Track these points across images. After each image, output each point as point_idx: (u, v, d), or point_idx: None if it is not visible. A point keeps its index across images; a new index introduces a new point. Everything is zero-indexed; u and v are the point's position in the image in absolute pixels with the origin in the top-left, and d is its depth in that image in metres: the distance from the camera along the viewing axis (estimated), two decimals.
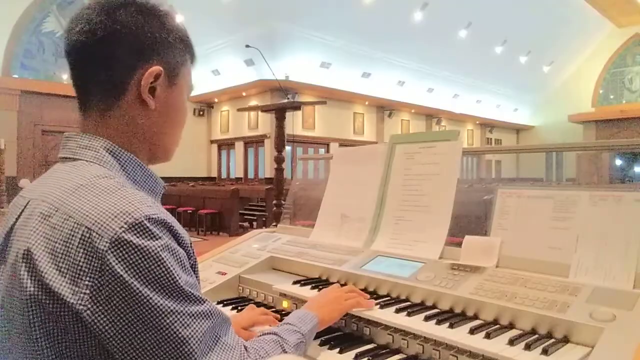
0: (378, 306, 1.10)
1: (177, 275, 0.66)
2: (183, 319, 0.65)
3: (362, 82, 18.12)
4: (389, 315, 1.05)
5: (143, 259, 0.63)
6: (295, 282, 1.33)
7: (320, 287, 1.26)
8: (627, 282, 0.95)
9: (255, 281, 1.43)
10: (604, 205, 1.06)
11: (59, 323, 0.63)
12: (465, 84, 21.73)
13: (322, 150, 18.17)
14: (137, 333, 0.62)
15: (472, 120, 24.71)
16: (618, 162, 23.64)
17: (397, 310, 1.07)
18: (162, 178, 0.87)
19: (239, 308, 1.30)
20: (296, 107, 4.12)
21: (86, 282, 0.62)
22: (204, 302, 0.69)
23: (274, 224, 2.64)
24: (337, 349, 0.99)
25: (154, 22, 0.79)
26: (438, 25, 17.33)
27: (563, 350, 0.85)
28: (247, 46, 8.43)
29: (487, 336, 0.91)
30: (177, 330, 0.64)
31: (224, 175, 19.65)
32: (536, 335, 0.91)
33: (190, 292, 0.67)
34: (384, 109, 20.24)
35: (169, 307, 0.64)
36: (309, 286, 1.29)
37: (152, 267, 0.64)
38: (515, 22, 19.10)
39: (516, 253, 1.15)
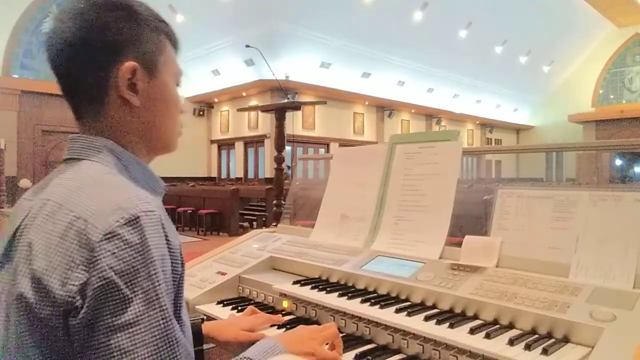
0: (378, 306, 1.10)
1: (160, 285, 0.64)
2: (146, 332, 0.62)
3: (362, 82, 18.12)
4: (389, 315, 1.05)
5: (133, 256, 0.63)
6: (295, 282, 1.33)
7: (320, 287, 1.26)
8: (627, 282, 0.95)
9: (255, 281, 1.42)
10: (604, 205, 1.06)
11: (44, 322, 0.62)
12: (465, 84, 21.73)
13: (322, 150, 18.16)
14: (98, 333, 0.61)
15: (472, 120, 24.71)
16: (618, 162, 23.63)
17: (397, 310, 1.07)
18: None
19: (239, 308, 1.30)
20: (296, 107, 4.11)
21: (77, 275, 0.61)
22: (171, 322, 0.65)
23: (274, 224, 2.64)
24: None
25: (120, 18, 0.77)
26: (438, 25, 17.32)
27: (563, 350, 0.85)
28: (247, 46, 8.44)
29: (487, 336, 0.91)
30: (134, 342, 0.61)
31: (224, 175, 19.65)
32: (536, 335, 0.91)
33: (166, 307, 0.65)
34: (384, 109, 20.24)
35: (141, 313, 0.62)
36: (309, 286, 1.29)
37: (140, 266, 0.63)
38: (515, 22, 19.10)
39: (516, 253, 1.15)
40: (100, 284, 0.61)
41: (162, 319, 0.64)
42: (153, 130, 0.83)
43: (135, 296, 0.62)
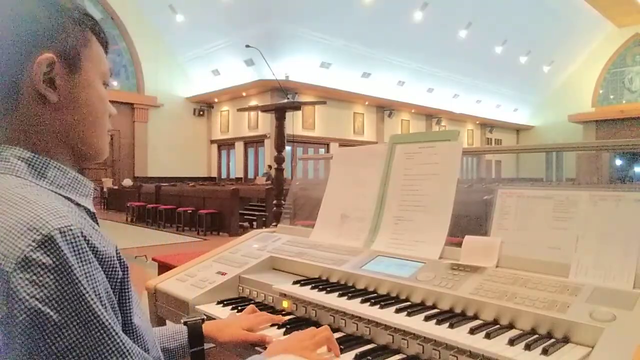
0: (378, 306, 1.10)
1: (94, 302, 0.60)
2: (92, 352, 0.59)
3: (362, 82, 18.13)
4: (389, 315, 1.05)
5: (55, 279, 0.58)
6: (295, 282, 1.33)
7: (320, 287, 1.26)
8: (627, 282, 0.95)
9: (255, 281, 1.42)
10: (604, 205, 1.06)
11: None
12: (465, 84, 21.76)
13: (322, 150, 18.17)
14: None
15: (472, 120, 24.73)
16: (618, 162, 23.66)
17: (397, 310, 1.07)
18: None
19: (239, 308, 1.30)
20: (296, 107, 4.11)
21: None
22: (117, 335, 0.62)
23: (274, 224, 2.65)
24: None
25: (38, 6, 0.71)
26: (438, 25, 17.34)
27: (563, 350, 0.85)
28: (247, 46, 8.47)
29: (487, 336, 0.90)
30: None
31: (224, 175, 19.66)
32: (536, 335, 0.91)
33: (107, 322, 0.61)
34: (384, 109, 20.26)
35: (80, 335, 0.58)
36: (309, 286, 1.29)
37: (66, 288, 0.58)
38: (515, 22, 19.12)
39: (516, 253, 1.14)
40: (25, 315, 0.56)
41: (107, 335, 0.60)
42: (74, 132, 0.75)
43: (68, 320, 0.58)
